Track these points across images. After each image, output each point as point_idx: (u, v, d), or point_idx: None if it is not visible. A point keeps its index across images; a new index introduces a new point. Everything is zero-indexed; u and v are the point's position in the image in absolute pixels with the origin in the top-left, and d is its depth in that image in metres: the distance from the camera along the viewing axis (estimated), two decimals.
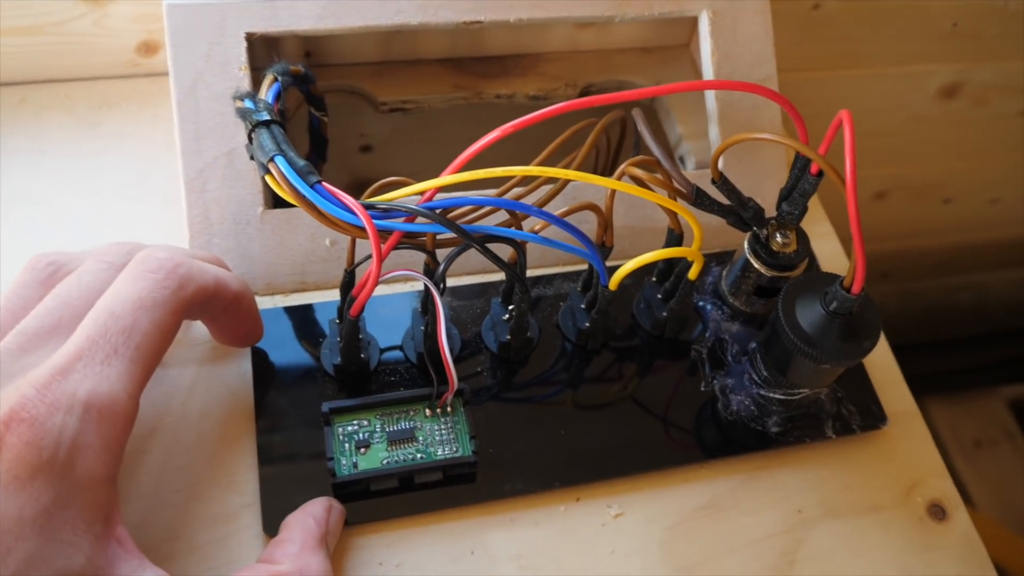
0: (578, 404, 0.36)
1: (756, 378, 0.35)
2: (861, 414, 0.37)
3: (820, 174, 0.32)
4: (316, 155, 0.43)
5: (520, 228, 0.32)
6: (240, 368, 0.36)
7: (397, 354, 0.36)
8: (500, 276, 0.39)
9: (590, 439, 0.35)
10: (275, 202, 0.40)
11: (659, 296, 0.37)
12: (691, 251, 0.34)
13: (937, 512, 0.37)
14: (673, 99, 0.48)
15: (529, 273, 0.40)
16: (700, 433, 0.36)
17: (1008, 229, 0.84)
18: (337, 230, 0.30)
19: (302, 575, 0.28)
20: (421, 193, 0.30)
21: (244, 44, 0.38)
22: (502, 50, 0.47)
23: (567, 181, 0.35)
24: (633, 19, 0.42)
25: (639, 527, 0.34)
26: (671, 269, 0.37)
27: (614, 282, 0.34)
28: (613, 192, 0.33)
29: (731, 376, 0.36)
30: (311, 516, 0.30)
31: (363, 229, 0.29)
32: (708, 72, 0.43)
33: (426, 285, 0.32)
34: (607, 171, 0.46)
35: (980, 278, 0.86)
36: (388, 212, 0.30)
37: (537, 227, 0.34)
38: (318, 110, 0.40)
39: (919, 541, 0.36)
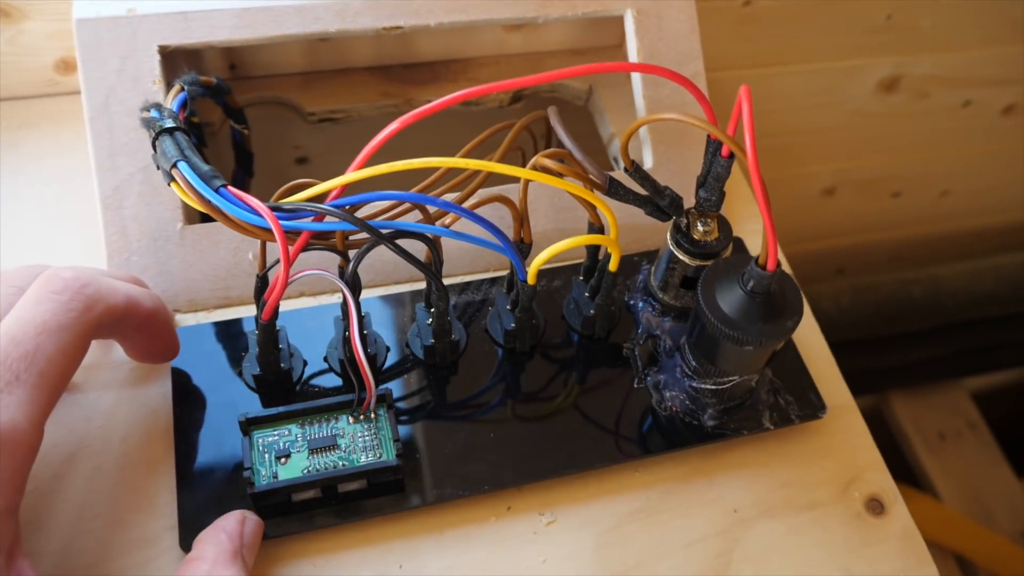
0: (509, 408, 0.35)
1: (687, 370, 0.35)
2: (799, 404, 0.37)
3: (731, 156, 0.32)
4: (242, 171, 0.43)
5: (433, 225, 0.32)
6: (161, 388, 0.35)
7: (323, 366, 0.36)
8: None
9: (521, 443, 0.34)
10: (200, 217, 0.40)
11: (586, 295, 0.37)
12: (607, 239, 0.33)
13: (875, 507, 0.36)
14: (606, 100, 0.47)
15: (458, 279, 0.39)
16: (635, 430, 0.35)
17: (959, 221, 0.84)
18: (245, 234, 0.29)
19: None
20: (328, 192, 0.30)
21: (157, 57, 0.37)
22: (431, 56, 0.47)
23: (484, 177, 0.34)
24: (557, 19, 0.42)
25: (572, 534, 0.34)
26: (595, 267, 0.37)
27: (531, 275, 0.33)
28: (526, 184, 0.33)
29: (664, 372, 0.36)
30: (222, 531, 0.29)
31: (271, 231, 0.28)
32: (636, 76, 0.42)
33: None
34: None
35: (933, 271, 0.86)
36: (296, 212, 0.29)
37: (448, 221, 0.33)
38: (238, 122, 0.39)
39: (857, 537, 0.35)
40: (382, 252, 0.39)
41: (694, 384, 0.35)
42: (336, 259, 0.32)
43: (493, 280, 0.39)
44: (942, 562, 0.86)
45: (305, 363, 0.35)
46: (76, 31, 0.37)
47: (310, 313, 0.37)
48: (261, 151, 0.45)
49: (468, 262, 0.39)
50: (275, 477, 0.31)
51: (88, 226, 0.39)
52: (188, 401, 0.34)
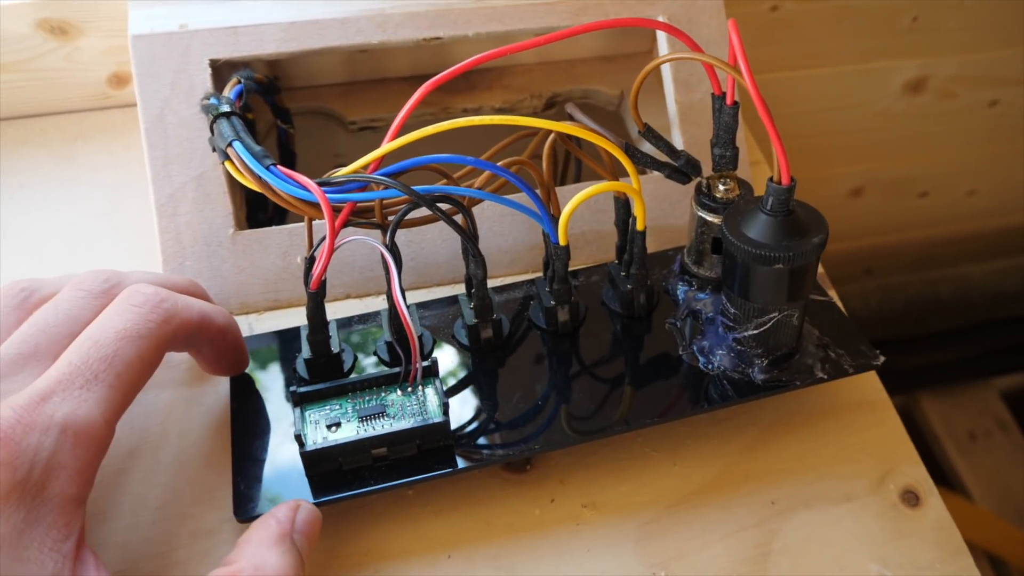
0: (554, 384, 0.36)
1: (728, 321, 0.35)
2: (851, 355, 0.37)
3: (736, 104, 0.33)
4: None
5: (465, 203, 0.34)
6: (217, 388, 0.37)
7: (373, 360, 0.37)
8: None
9: (569, 409, 0.35)
10: (250, 223, 0.41)
11: (622, 273, 0.38)
12: (628, 187, 0.34)
13: (910, 498, 0.37)
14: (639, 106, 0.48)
15: (498, 281, 0.40)
16: (685, 393, 0.36)
17: (986, 220, 0.84)
18: (293, 209, 0.31)
19: (256, 569, 0.28)
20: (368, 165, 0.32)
21: (208, 71, 0.39)
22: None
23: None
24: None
25: (614, 525, 0.35)
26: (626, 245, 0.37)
27: (562, 234, 0.34)
28: (552, 143, 0.35)
29: (707, 338, 0.36)
30: (273, 516, 0.30)
31: (317, 206, 0.30)
32: (667, 76, 0.43)
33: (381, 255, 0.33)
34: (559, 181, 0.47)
35: (961, 270, 0.86)
36: (341, 187, 0.31)
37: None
38: (284, 122, 0.41)
39: (893, 528, 0.36)
40: (422, 250, 0.40)
41: (736, 336, 0.35)
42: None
43: (532, 281, 0.40)
44: (974, 562, 0.86)
45: (356, 357, 0.36)
46: (132, 47, 0.38)
47: (358, 320, 0.38)
48: (303, 157, 0.47)
49: (508, 262, 0.41)
50: (326, 440, 0.32)
51: (142, 233, 0.41)
52: (245, 399, 0.35)
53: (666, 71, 0.43)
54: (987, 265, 0.87)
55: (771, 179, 0.31)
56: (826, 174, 0.72)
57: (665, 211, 0.42)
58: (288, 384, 0.36)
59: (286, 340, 0.37)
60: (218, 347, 0.34)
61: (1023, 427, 0.94)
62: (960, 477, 0.90)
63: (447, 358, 0.37)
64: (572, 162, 0.46)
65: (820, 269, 0.43)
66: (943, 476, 0.92)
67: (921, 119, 0.70)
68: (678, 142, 0.43)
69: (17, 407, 0.26)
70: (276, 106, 0.42)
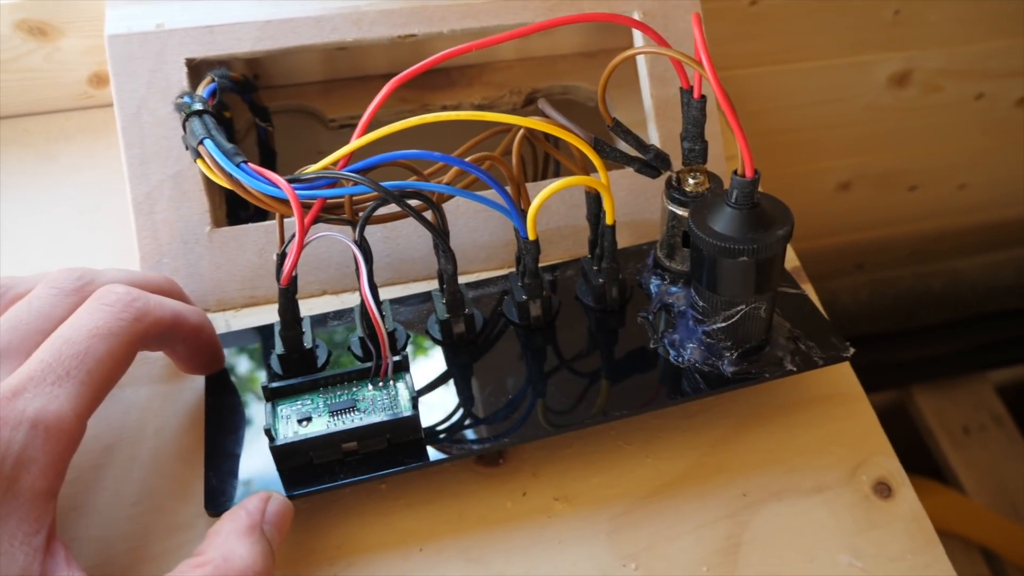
0: (528, 377, 0.36)
1: (698, 314, 0.35)
2: (821, 347, 0.37)
3: (703, 98, 0.34)
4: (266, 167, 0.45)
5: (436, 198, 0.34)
6: (192, 384, 0.37)
7: (346, 356, 0.37)
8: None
9: (542, 402, 0.35)
10: (227, 220, 0.42)
11: (594, 268, 0.38)
12: (595, 181, 0.34)
13: (883, 490, 0.37)
14: (617, 100, 0.49)
15: (472, 277, 0.41)
16: (655, 386, 0.36)
17: (976, 214, 0.84)
18: (263, 206, 0.32)
19: (225, 560, 0.28)
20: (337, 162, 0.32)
21: (185, 70, 0.39)
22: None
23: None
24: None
25: (586, 518, 0.35)
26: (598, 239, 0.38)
27: (530, 228, 0.34)
28: (521, 140, 0.35)
29: (678, 332, 0.37)
30: (243, 507, 0.30)
31: (287, 202, 0.31)
32: (643, 71, 0.44)
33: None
34: (538, 177, 0.47)
35: (952, 264, 0.86)
36: (311, 183, 0.32)
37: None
38: (263, 120, 0.42)
39: (865, 519, 0.36)
40: (398, 245, 0.41)
41: (706, 328, 0.35)
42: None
43: (507, 277, 0.40)
44: (968, 556, 0.86)
45: (330, 352, 0.37)
46: (108, 46, 0.39)
47: (334, 316, 0.38)
48: (287, 155, 0.47)
49: (483, 258, 0.41)
50: (296, 435, 0.32)
51: (121, 231, 0.41)
52: (219, 391, 0.36)
53: (641, 66, 0.43)
54: (979, 259, 0.87)
55: (735, 172, 0.32)
56: (813, 168, 0.72)
57: (640, 205, 0.42)
58: (260, 379, 0.36)
59: (263, 336, 0.38)
60: (192, 346, 0.34)
61: (1018, 421, 0.94)
62: (954, 471, 0.90)
63: (421, 353, 0.37)
64: (551, 158, 0.46)
65: (796, 263, 0.43)
66: (937, 470, 0.92)
67: (908, 112, 0.70)
68: (654, 136, 0.43)
69: None
70: (254, 104, 0.42)
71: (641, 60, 0.44)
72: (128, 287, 0.31)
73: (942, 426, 0.92)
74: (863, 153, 0.73)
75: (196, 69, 0.40)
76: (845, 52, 0.62)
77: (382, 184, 0.32)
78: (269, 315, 0.39)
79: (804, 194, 0.74)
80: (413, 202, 0.33)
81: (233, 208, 0.43)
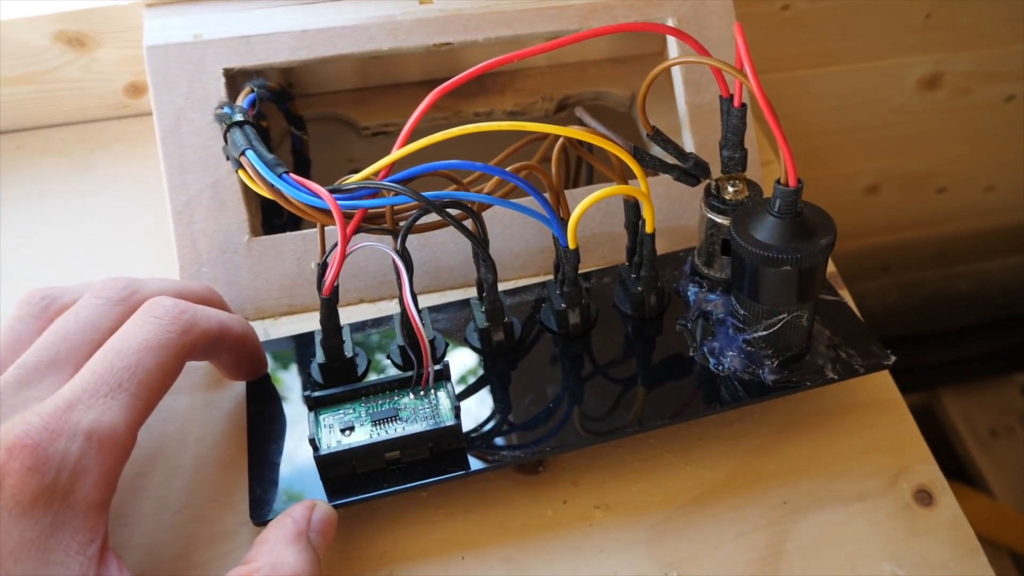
0: (566, 386, 0.36)
1: (738, 323, 0.35)
2: (862, 355, 0.37)
3: (743, 106, 0.34)
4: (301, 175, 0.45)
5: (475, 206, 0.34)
6: (233, 392, 0.37)
7: (386, 364, 0.37)
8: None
9: (581, 411, 0.35)
10: (264, 229, 0.42)
11: (632, 275, 0.38)
12: (636, 190, 0.34)
13: (924, 498, 0.37)
14: (649, 106, 0.48)
15: (510, 284, 0.41)
16: (696, 394, 0.36)
17: (1005, 216, 0.83)
18: (305, 216, 0.32)
19: (273, 567, 0.29)
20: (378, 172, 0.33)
21: (222, 80, 0.39)
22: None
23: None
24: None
25: (626, 526, 0.35)
26: (636, 247, 0.38)
27: (571, 237, 0.34)
28: (561, 148, 0.35)
29: (717, 339, 0.37)
30: (289, 515, 0.31)
31: (329, 212, 0.31)
32: (677, 78, 0.44)
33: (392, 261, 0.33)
34: (571, 184, 0.47)
35: (980, 266, 0.85)
36: (352, 194, 0.32)
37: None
38: (298, 129, 0.42)
39: (906, 527, 0.36)
40: (435, 253, 0.41)
41: (747, 337, 0.35)
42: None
43: (544, 284, 0.40)
44: (996, 559, 0.85)
45: (369, 361, 0.37)
46: (147, 57, 0.39)
47: (372, 324, 0.39)
48: (317, 163, 0.47)
49: (519, 265, 0.41)
50: (339, 444, 0.32)
51: (160, 240, 0.42)
52: (261, 400, 0.36)
53: (676, 73, 0.43)
54: (1006, 260, 0.86)
55: (778, 181, 0.32)
56: (842, 171, 0.72)
57: (676, 212, 0.42)
58: (304, 388, 0.36)
59: (302, 344, 0.38)
60: (236, 354, 0.35)
61: None
62: (981, 474, 0.89)
63: (460, 361, 0.37)
64: (584, 165, 0.46)
65: (832, 268, 0.43)
66: (964, 473, 0.91)
67: (937, 115, 0.69)
68: (688, 143, 0.43)
69: (44, 414, 0.27)
70: (290, 113, 0.43)
71: (676, 67, 0.43)
72: (176, 299, 0.32)
73: (969, 428, 0.92)
74: (891, 156, 0.72)
75: (233, 79, 0.40)
76: (875, 55, 0.62)
77: (423, 194, 0.32)
78: (308, 323, 0.39)
79: (832, 197, 0.73)
80: (453, 211, 0.33)
81: (268, 216, 0.43)
